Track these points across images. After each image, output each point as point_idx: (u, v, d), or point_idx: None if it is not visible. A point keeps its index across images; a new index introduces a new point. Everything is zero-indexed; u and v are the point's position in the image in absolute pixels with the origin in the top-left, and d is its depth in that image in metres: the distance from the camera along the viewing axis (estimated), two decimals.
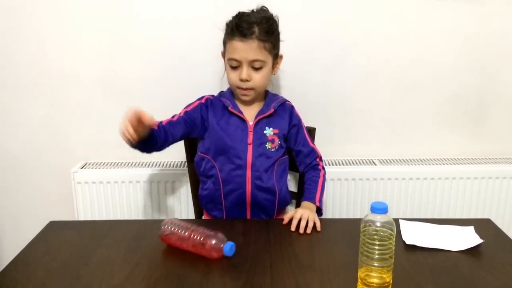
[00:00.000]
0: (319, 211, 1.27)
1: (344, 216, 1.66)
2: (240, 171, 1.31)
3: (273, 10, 1.32)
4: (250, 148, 1.32)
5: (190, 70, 1.62)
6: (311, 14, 1.59)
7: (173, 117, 1.34)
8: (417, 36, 1.62)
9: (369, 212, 0.87)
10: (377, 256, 0.86)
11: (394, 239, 0.86)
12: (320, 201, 1.29)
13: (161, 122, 1.28)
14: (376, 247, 0.85)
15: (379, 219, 0.86)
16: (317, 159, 1.39)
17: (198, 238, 1.02)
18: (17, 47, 1.61)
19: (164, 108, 1.64)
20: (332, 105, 1.68)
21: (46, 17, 1.58)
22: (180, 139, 1.34)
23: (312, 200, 1.28)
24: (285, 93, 1.52)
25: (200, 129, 1.35)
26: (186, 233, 1.03)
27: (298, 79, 1.65)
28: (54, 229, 1.18)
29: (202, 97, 1.38)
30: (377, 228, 0.86)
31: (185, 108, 1.36)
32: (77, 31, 1.60)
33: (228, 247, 1.00)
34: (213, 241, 1.00)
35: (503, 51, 1.64)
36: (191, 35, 1.58)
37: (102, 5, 1.57)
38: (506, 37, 1.63)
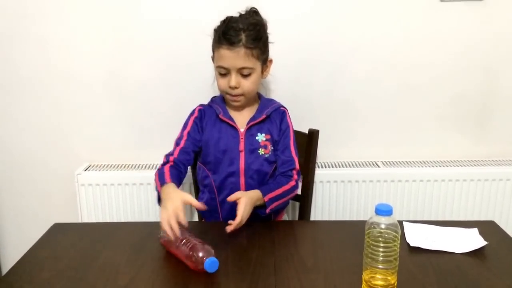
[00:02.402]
0: (264, 208, 1.22)
1: (347, 218, 1.66)
2: (234, 179, 1.31)
3: (276, 14, 1.32)
4: (242, 155, 1.31)
5: (193, 71, 1.62)
6: (314, 18, 1.59)
7: (177, 143, 1.33)
8: (420, 39, 1.62)
9: (373, 214, 0.87)
10: (381, 258, 0.86)
11: (398, 241, 0.86)
12: (272, 200, 1.23)
13: (173, 156, 1.29)
14: (381, 249, 0.85)
15: (383, 221, 0.86)
16: (293, 171, 1.32)
17: (187, 248, 0.98)
18: (20, 48, 1.62)
19: (168, 110, 1.66)
20: (336, 107, 1.68)
21: (49, 19, 1.59)
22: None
23: (264, 193, 1.22)
24: (289, 95, 1.52)
25: (202, 142, 1.36)
26: (179, 242, 1.00)
27: (301, 82, 1.65)
28: (58, 231, 1.19)
29: (194, 111, 1.38)
30: (382, 230, 0.86)
31: (183, 129, 1.35)
32: (80, 33, 1.60)
33: (209, 263, 0.95)
34: (200, 254, 0.96)
35: (506, 54, 1.64)
36: (195, 36, 1.57)
37: (105, 7, 1.58)
38: (509, 39, 1.62)
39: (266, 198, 1.22)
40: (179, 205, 1.03)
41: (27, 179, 1.75)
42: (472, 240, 1.08)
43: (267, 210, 1.22)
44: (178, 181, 1.23)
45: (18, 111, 1.68)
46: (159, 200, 1.19)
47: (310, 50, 1.62)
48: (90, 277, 0.96)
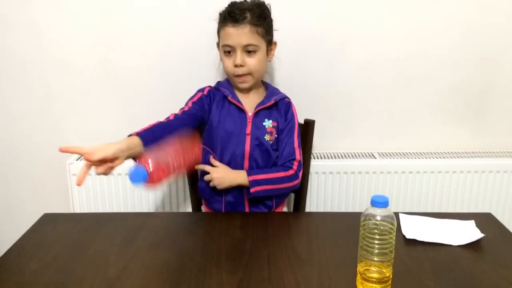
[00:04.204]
0: (248, 189, 1.25)
1: (343, 210, 1.64)
2: (238, 161, 1.31)
3: (273, 1, 1.31)
4: (248, 139, 1.31)
5: (189, 59, 1.59)
6: (311, 6, 1.56)
7: (182, 108, 1.30)
8: (417, 28, 1.59)
9: (369, 206, 0.85)
10: (377, 251, 0.84)
11: (394, 233, 0.84)
12: (257, 182, 1.26)
13: (174, 114, 1.26)
14: (376, 241, 0.84)
15: (379, 212, 0.84)
16: (293, 161, 1.32)
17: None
18: (10, 36, 1.58)
19: (161, 98, 1.65)
20: (332, 97, 1.66)
21: (40, 6, 1.55)
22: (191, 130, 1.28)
23: (250, 174, 1.27)
24: (285, 86, 1.50)
25: (205, 121, 1.34)
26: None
27: (297, 71, 1.63)
28: (48, 221, 1.17)
29: (204, 89, 1.37)
30: (377, 222, 0.84)
31: (190, 100, 1.34)
32: (72, 20, 1.57)
33: (132, 170, 0.86)
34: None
35: (505, 43, 1.61)
36: (189, 23, 1.55)
37: None
38: (508, 28, 1.60)
39: (250, 178, 1.26)
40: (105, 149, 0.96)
41: (17, 169, 1.72)
42: (468, 233, 1.07)
43: (251, 190, 1.25)
44: (153, 136, 1.10)
45: (9, 99, 1.65)
46: None
47: (305, 40, 1.59)
48: (78, 269, 0.94)
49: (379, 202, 0.83)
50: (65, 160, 1.62)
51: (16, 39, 1.58)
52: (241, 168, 1.31)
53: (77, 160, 1.63)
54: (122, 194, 1.63)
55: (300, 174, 1.33)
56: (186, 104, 1.33)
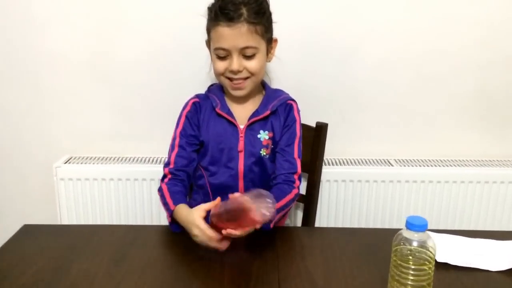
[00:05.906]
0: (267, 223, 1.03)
1: (355, 222, 1.53)
2: (231, 182, 1.17)
3: None
4: (241, 156, 1.17)
5: (189, 53, 1.49)
6: (323, 2, 1.47)
7: (172, 148, 1.19)
8: (436, 24, 1.50)
9: (404, 228, 0.72)
10: (411, 283, 0.71)
11: (433, 264, 0.71)
12: (277, 211, 1.04)
13: (169, 167, 1.16)
14: (411, 271, 0.71)
15: (416, 237, 0.71)
16: (294, 175, 1.17)
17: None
18: None
19: (159, 96, 1.55)
20: (345, 99, 1.57)
21: None
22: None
23: None
24: (295, 87, 1.39)
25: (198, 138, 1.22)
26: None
27: (308, 71, 1.53)
28: (28, 233, 1.05)
29: (187, 104, 1.23)
30: (413, 248, 0.71)
31: (176, 128, 1.21)
32: (64, 13, 1.48)
33: None
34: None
35: None
36: (186, 17, 1.45)
37: None
38: None
39: None
40: (203, 226, 0.95)
41: (0, 171, 1.61)
42: (509, 255, 0.94)
43: (271, 225, 1.06)
44: (184, 197, 1.12)
45: None
46: (171, 224, 1.08)
47: (316, 35, 1.50)
48: None
49: (416, 225, 0.70)
50: (52, 163, 1.51)
51: (4, 32, 1.49)
52: (236, 189, 1.17)
53: (65, 163, 1.52)
54: (114, 201, 1.51)
55: (300, 187, 1.19)
56: (175, 135, 1.20)
